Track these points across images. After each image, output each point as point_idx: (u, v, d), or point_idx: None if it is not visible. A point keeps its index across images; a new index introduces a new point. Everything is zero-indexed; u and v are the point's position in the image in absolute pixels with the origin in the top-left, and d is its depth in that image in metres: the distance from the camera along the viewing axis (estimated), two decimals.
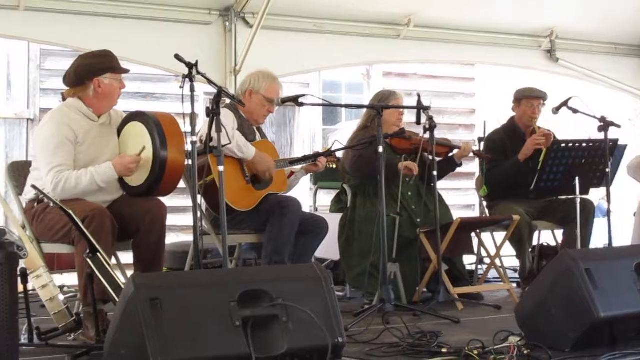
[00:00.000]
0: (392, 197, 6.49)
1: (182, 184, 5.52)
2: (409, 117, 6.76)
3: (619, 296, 4.47)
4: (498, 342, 4.45)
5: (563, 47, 9.42)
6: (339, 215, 6.96)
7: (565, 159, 6.82)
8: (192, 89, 4.96)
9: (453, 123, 12.97)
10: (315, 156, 6.39)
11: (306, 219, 6.12)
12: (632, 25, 9.58)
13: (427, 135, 6.32)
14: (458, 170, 7.17)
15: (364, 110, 7.02)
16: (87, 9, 7.18)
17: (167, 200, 5.36)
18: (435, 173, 6.29)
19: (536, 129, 7.25)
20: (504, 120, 7.58)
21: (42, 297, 4.72)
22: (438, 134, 6.42)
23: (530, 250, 7.18)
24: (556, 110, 6.89)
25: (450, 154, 6.94)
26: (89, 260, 4.53)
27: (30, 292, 4.66)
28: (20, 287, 4.57)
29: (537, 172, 6.92)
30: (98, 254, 4.55)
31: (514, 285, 7.22)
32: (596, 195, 8.30)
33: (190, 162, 5.04)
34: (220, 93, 5.14)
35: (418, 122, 6.20)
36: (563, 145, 6.85)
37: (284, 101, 6.07)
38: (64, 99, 5.37)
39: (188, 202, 5.81)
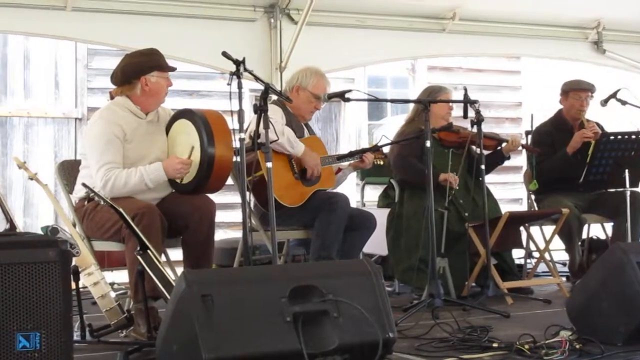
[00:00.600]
0: (440, 191, 6.47)
1: (230, 181, 5.54)
2: (455, 111, 6.74)
3: None
4: (549, 337, 4.42)
5: (610, 38, 9.32)
6: (386, 211, 6.95)
7: (614, 152, 6.77)
8: (239, 86, 4.98)
9: (499, 117, 12.90)
10: (362, 151, 6.39)
11: (354, 215, 6.12)
12: None
13: (474, 129, 6.29)
14: (505, 163, 7.14)
15: (411, 105, 7.00)
16: (133, 8, 7.22)
17: (216, 197, 5.38)
18: (483, 167, 6.26)
19: (584, 122, 7.19)
20: (551, 113, 7.52)
21: (94, 295, 4.77)
22: (484, 128, 6.38)
23: (579, 243, 7.13)
24: (604, 102, 6.84)
25: (498, 148, 6.90)
26: (139, 257, 4.56)
27: (82, 290, 4.71)
28: (72, 285, 4.63)
29: (586, 165, 6.88)
30: (148, 251, 4.58)
31: (564, 279, 7.18)
32: None
33: (238, 158, 5.05)
34: (268, 90, 5.15)
35: (465, 116, 6.18)
36: (612, 137, 6.81)
37: (330, 97, 6.07)
38: (111, 98, 5.41)
39: (236, 199, 5.83)
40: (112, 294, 4.77)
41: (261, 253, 7.10)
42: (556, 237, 6.93)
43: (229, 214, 9.87)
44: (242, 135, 4.98)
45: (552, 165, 7.10)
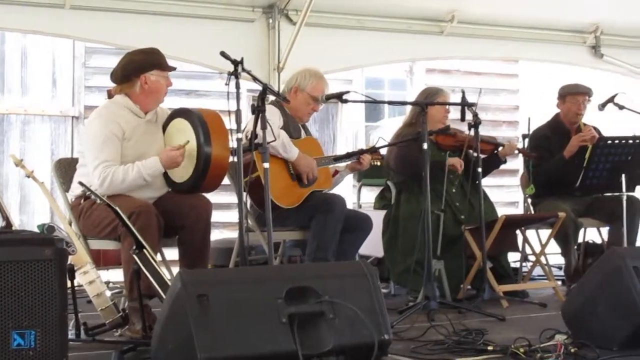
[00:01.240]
0: (437, 194, 6.47)
1: (226, 181, 5.54)
2: (453, 113, 6.74)
3: None
4: (544, 340, 4.44)
5: (608, 43, 9.33)
6: (382, 212, 6.96)
7: (611, 156, 6.78)
8: (237, 86, 4.98)
9: (497, 120, 12.90)
10: (359, 153, 6.39)
11: (350, 216, 6.12)
12: None
13: (471, 132, 6.29)
14: (502, 167, 7.14)
15: (409, 107, 7.00)
16: (132, 7, 7.21)
17: (212, 197, 5.39)
18: (480, 170, 6.27)
19: (581, 126, 7.19)
20: (548, 116, 7.53)
21: (90, 293, 4.77)
22: (481, 130, 6.38)
23: (575, 247, 7.13)
24: (602, 106, 6.85)
25: (495, 152, 6.90)
26: (135, 256, 4.56)
27: (77, 288, 4.71)
28: (68, 283, 4.63)
29: (583, 169, 6.88)
30: (144, 250, 4.58)
31: (559, 283, 7.18)
32: None
33: (235, 158, 5.05)
34: (265, 90, 5.15)
35: (462, 119, 6.18)
36: (609, 142, 6.81)
37: (328, 98, 6.07)
38: (109, 97, 5.42)
39: (232, 199, 5.82)
40: (108, 293, 4.77)
41: (257, 253, 7.10)
42: (552, 241, 6.93)
43: (225, 214, 9.86)
44: (240, 135, 4.98)
45: (549, 169, 7.11)
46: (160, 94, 5.38)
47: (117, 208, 4.61)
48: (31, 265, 3.51)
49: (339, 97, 5.90)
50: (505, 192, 12.05)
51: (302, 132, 6.31)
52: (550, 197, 7.10)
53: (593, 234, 7.67)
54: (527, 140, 7.45)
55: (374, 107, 12.57)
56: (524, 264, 7.37)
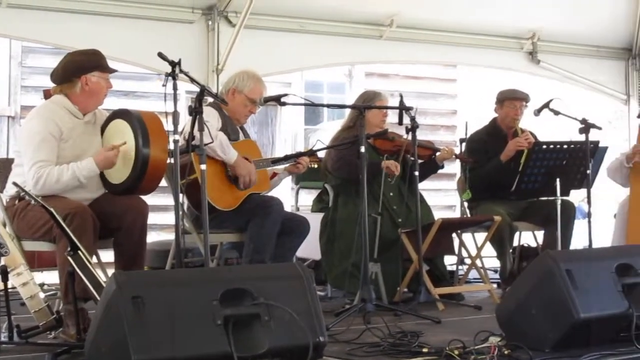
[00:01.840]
0: (374, 197, 6.50)
1: (164, 183, 5.51)
2: (391, 117, 6.77)
3: (599, 297, 4.50)
4: (479, 342, 4.47)
5: (545, 49, 9.46)
6: (320, 215, 6.97)
7: (546, 161, 6.86)
8: (174, 87, 4.96)
9: (435, 124, 12.99)
10: (297, 155, 6.39)
11: (288, 219, 6.12)
12: (613, 28, 9.66)
13: (409, 136, 6.33)
14: (439, 171, 7.19)
15: (348, 110, 7.02)
16: (70, 7, 7.16)
17: (149, 199, 5.35)
18: (416, 173, 6.30)
19: (518, 130, 7.27)
20: (486, 121, 7.59)
21: (23, 295, 4.71)
22: (420, 134, 6.43)
23: (510, 251, 7.21)
24: (538, 112, 6.91)
25: (432, 157, 6.95)
26: (70, 258, 4.52)
27: (10, 290, 4.65)
28: (0, 285, 4.58)
29: (518, 173, 6.95)
30: (79, 251, 4.54)
31: (495, 285, 7.24)
32: (577, 196, 8.32)
33: (172, 160, 5.03)
34: (203, 91, 5.14)
35: (400, 123, 6.22)
36: (544, 146, 6.89)
37: (267, 100, 6.07)
38: (46, 97, 5.36)
39: (169, 201, 5.80)
40: (41, 295, 4.71)
41: (194, 256, 7.08)
42: (488, 244, 7.00)
43: (162, 216, 9.81)
44: (177, 137, 4.96)
45: (485, 173, 7.17)
46: (101, 95, 5.33)
47: (51, 209, 4.56)
48: None
49: (278, 99, 5.90)
50: (443, 196, 12.15)
51: (240, 134, 6.29)
52: (486, 200, 7.17)
53: (528, 237, 7.75)
54: (464, 144, 7.51)
55: (313, 110, 12.58)
56: (460, 266, 7.42)
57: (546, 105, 6.86)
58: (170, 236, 6.17)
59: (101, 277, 4.60)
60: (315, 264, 7.36)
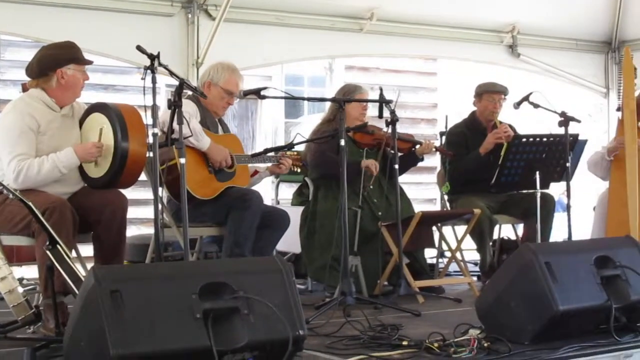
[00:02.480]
0: (354, 190, 6.50)
1: (143, 177, 5.50)
2: (372, 110, 6.78)
3: (578, 290, 4.52)
4: (458, 335, 4.48)
5: (525, 42, 9.49)
6: (300, 209, 6.97)
7: (525, 154, 6.88)
8: (153, 81, 4.95)
9: (415, 117, 12.98)
10: (277, 149, 6.41)
11: (267, 212, 6.12)
12: (593, 21, 9.71)
13: (389, 129, 6.33)
14: (419, 164, 7.21)
15: (329, 103, 7.02)
16: (49, 0, 7.11)
17: (129, 193, 5.33)
18: (396, 167, 6.30)
19: (497, 124, 7.29)
20: (466, 114, 7.60)
21: (1, 290, 4.68)
22: (400, 128, 6.43)
23: (490, 244, 7.22)
24: (517, 105, 6.93)
25: (412, 149, 6.95)
26: (49, 252, 4.50)
27: None
28: None
29: (498, 167, 6.97)
30: (58, 246, 4.52)
31: (475, 278, 7.25)
32: (556, 189, 8.35)
33: (151, 153, 5.02)
34: (182, 85, 5.13)
35: (380, 116, 6.22)
36: (524, 139, 6.92)
37: (246, 94, 6.05)
38: (24, 90, 5.34)
39: (150, 195, 5.79)
40: (20, 289, 4.68)
41: (174, 250, 7.07)
42: (468, 237, 7.01)
43: (142, 210, 9.76)
44: (156, 130, 4.95)
45: (464, 166, 7.19)
46: (78, 88, 5.31)
47: (30, 203, 4.54)
48: None
49: (257, 93, 5.89)
50: (423, 189, 12.14)
51: (219, 127, 6.29)
52: (466, 194, 7.18)
53: (508, 230, 7.78)
54: (444, 137, 7.52)
55: (293, 103, 12.55)
56: (440, 260, 7.44)
57: (526, 99, 6.88)
58: (150, 230, 6.14)
59: (80, 271, 4.58)
60: (295, 257, 7.36)
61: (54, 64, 5.22)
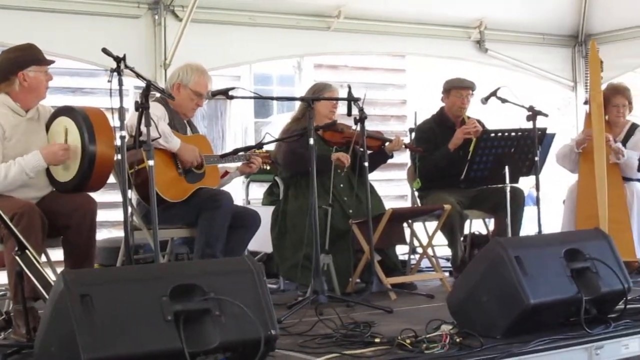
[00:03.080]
0: (324, 188, 6.51)
1: (112, 179, 5.48)
2: (342, 109, 6.78)
3: (549, 283, 4.55)
4: (430, 331, 4.52)
5: (492, 37, 9.52)
6: (271, 208, 6.96)
7: (494, 149, 6.91)
8: (120, 83, 4.93)
9: (385, 114, 12.99)
10: (246, 149, 6.39)
11: (238, 212, 6.11)
12: (559, 15, 9.76)
13: (358, 127, 6.33)
14: (390, 161, 7.22)
15: (298, 102, 7.01)
16: (12, 3, 7.04)
17: (98, 196, 5.32)
18: (366, 164, 6.31)
19: (465, 119, 7.32)
20: (435, 110, 7.62)
21: None
22: (370, 125, 6.45)
23: (462, 239, 7.25)
24: (485, 100, 6.96)
25: (382, 147, 6.96)
26: (17, 258, 4.47)
27: None
28: None
29: (467, 162, 6.99)
30: (27, 251, 4.49)
31: (447, 274, 7.27)
32: (526, 183, 8.39)
33: (119, 156, 5.00)
34: (149, 87, 5.12)
35: (349, 114, 6.22)
36: (492, 134, 6.95)
37: (214, 94, 6.03)
38: None
39: (119, 198, 5.76)
40: None
41: (145, 252, 7.04)
42: (439, 233, 7.03)
43: (112, 213, 9.70)
44: (123, 132, 4.94)
45: (434, 162, 7.21)
46: (41, 89, 5.29)
47: None
48: None
49: (225, 93, 5.88)
50: (394, 186, 12.15)
51: (188, 128, 6.27)
52: (436, 189, 7.20)
53: (479, 225, 7.81)
54: (413, 134, 7.54)
55: (262, 103, 12.52)
56: (411, 256, 7.46)
57: (493, 94, 6.91)
58: (121, 233, 6.12)
59: (50, 276, 4.55)
60: (267, 256, 7.36)
61: (15, 67, 5.19)
